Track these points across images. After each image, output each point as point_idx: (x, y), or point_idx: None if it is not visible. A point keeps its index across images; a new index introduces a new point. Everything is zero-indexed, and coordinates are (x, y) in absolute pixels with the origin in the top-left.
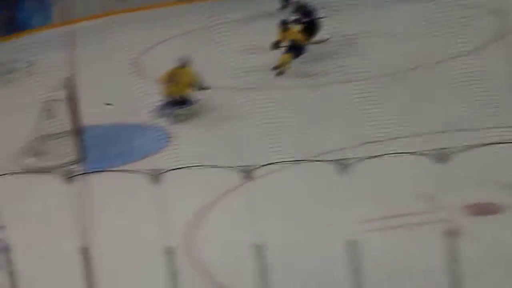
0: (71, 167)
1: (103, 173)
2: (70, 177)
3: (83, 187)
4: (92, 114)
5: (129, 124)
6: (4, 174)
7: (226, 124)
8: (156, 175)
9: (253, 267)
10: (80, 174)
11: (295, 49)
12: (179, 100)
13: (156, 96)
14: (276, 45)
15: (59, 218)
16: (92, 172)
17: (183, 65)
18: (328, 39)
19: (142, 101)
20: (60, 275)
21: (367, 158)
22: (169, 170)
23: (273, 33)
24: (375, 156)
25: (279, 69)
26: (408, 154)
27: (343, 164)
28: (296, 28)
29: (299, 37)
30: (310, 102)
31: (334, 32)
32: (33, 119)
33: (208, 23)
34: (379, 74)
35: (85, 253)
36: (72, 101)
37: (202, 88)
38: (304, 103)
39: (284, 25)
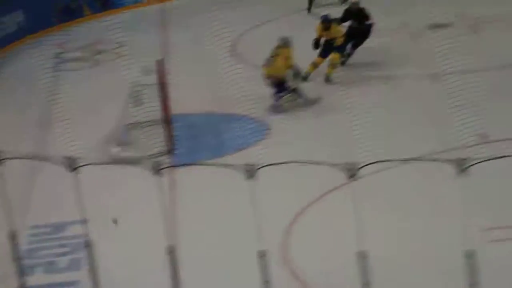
0: (159, 159)
1: (193, 166)
2: (157, 170)
3: (172, 181)
4: (184, 102)
5: (223, 114)
6: (86, 165)
7: (329, 116)
8: (251, 171)
9: (355, 278)
10: (169, 167)
11: (334, 50)
12: (278, 85)
13: (254, 83)
14: (317, 44)
15: (145, 214)
16: (181, 165)
17: (285, 44)
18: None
19: (238, 89)
20: (144, 274)
21: (490, 159)
22: (266, 166)
23: (380, 18)
24: (500, 157)
25: (328, 75)
26: None
27: (462, 165)
28: (339, 27)
29: (341, 37)
30: (425, 94)
31: (457, 16)
32: (120, 105)
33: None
34: (509, 63)
35: (172, 252)
36: (163, 87)
37: (299, 76)
38: (418, 95)
39: (327, 22)
